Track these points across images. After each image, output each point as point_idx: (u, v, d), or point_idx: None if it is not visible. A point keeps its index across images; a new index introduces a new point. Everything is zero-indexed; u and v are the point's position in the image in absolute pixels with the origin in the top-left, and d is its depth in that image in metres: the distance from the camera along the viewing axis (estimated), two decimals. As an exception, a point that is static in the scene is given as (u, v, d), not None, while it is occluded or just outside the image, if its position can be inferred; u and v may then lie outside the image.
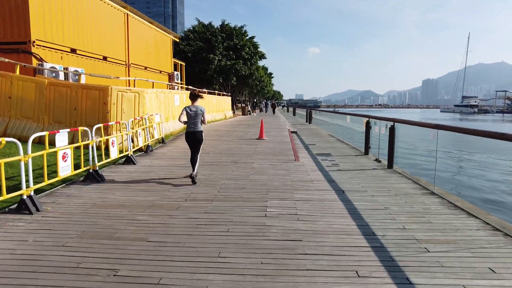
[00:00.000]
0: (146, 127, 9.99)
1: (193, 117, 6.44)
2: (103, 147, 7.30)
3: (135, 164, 8.24)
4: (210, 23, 32.44)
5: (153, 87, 13.12)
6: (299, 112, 40.74)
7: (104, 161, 7.04)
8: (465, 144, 21.51)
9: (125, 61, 18.00)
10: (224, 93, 28.89)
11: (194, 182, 6.30)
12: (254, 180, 6.56)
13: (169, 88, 22.76)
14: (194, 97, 6.53)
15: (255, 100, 33.46)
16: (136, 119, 9.74)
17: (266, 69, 60.27)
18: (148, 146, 9.93)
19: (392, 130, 7.82)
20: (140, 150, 9.94)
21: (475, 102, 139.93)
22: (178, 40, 25.34)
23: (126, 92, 9.94)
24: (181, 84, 27.09)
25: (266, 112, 47.30)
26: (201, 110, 6.46)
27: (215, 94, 25.60)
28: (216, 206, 4.96)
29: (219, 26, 32.26)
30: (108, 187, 6.04)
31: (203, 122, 6.59)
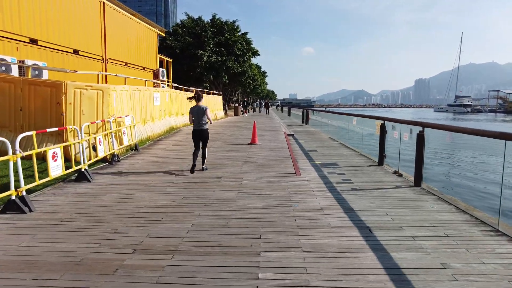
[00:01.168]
0: (111, 132, 8.12)
1: (197, 116, 7.16)
2: (34, 163, 5.42)
3: (90, 181, 6.37)
4: (200, 17, 30.35)
5: (125, 83, 11.22)
6: (294, 112, 39.00)
7: (39, 182, 5.16)
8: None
9: (102, 56, 16.05)
10: (215, 92, 26.97)
11: (204, 169, 7.20)
12: (241, 209, 4.75)
13: (155, 86, 20.95)
14: (198, 97, 7.27)
15: (245, 99, 31.06)
16: (95, 122, 7.86)
17: (260, 67, 58.42)
18: (113, 155, 8.07)
19: (421, 138, 6.06)
20: (105, 160, 8.07)
21: (468, 101, 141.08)
22: (163, 35, 23.38)
23: (87, 89, 8.05)
24: (167, 82, 25.15)
25: (260, 112, 45.51)
26: (203, 109, 7.13)
27: (204, 93, 23.72)
28: (177, 267, 3.12)
29: (209, 21, 30.25)
30: (21, 226, 4.17)
31: (208, 120, 7.25)
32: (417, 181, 6.15)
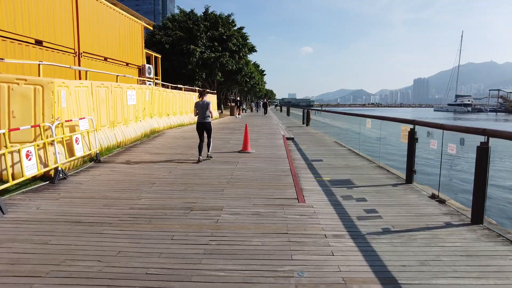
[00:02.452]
0: (53, 140, 6.13)
1: (201, 110, 7.80)
2: None
3: (3, 213, 4.40)
4: (192, 11, 28.17)
5: (86, 78, 9.23)
6: (294, 112, 37.02)
7: None
8: None
9: (74, 49, 14.02)
10: (209, 90, 24.98)
11: (209, 157, 8.05)
12: (206, 286, 2.77)
13: (140, 83, 19.02)
14: (202, 93, 7.99)
15: (237, 98, 28.56)
16: (19, 129, 5.85)
17: (258, 65, 56.33)
18: (57, 171, 6.08)
19: (483, 153, 4.08)
20: (46, 176, 6.10)
21: (469, 101, 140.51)
22: (151, 28, 21.33)
23: (18, 84, 6.05)
24: (156, 79, 23.15)
25: (257, 111, 43.54)
26: (207, 103, 7.79)
27: (195, 92, 21.72)
28: None
29: (202, 14, 28.13)
30: None
31: (210, 114, 7.85)
32: (477, 216, 4.18)
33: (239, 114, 27.41)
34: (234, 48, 27.20)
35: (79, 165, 7.33)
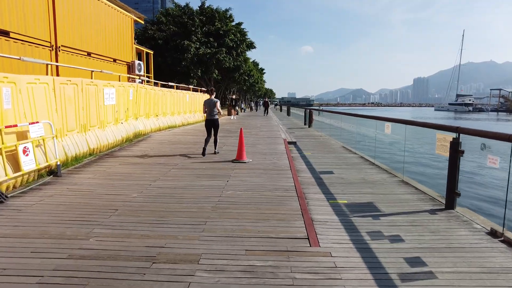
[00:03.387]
0: (-16, 153, 4.66)
1: (209, 107, 8.45)
2: None
3: None
4: (187, 4, 26.57)
5: (47, 74, 7.75)
6: (295, 111, 35.54)
7: None
8: None
9: (50, 42, 12.54)
10: (203, 89, 23.41)
11: (216, 152, 8.63)
12: None
13: (129, 81, 17.59)
14: (211, 91, 8.82)
15: (233, 97, 26.52)
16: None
17: (257, 64, 54.76)
18: (-10, 193, 4.62)
19: None
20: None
21: (470, 100, 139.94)
22: (142, 22, 19.80)
23: None
24: (147, 77, 21.66)
25: (257, 111, 42.13)
26: (214, 102, 8.40)
27: (189, 90, 20.23)
28: None
29: (198, 8, 26.51)
30: None
31: (218, 111, 8.50)
32: None
33: (234, 116, 24.83)
34: (231, 44, 25.53)
35: (31, 180, 5.88)
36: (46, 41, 12.58)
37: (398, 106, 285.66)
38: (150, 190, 5.46)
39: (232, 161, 7.79)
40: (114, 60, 17.45)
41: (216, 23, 25.03)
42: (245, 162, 7.68)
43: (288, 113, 36.31)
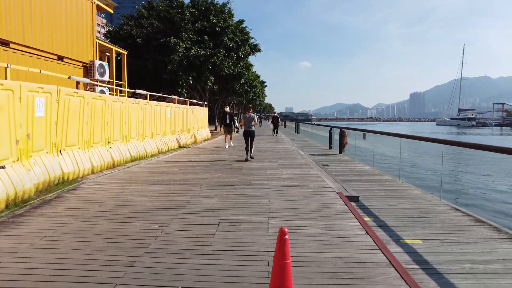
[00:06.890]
0: None
1: (248, 121, 10.68)
2: None
3: None
4: (176, -4, 21.08)
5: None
6: (303, 129, 30.15)
7: None
8: None
9: None
10: (194, 101, 17.95)
11: (251, 158, 10.55)
12: None
13: (88, 89, 12.26)
14: (248, 108, 10.91)
15: (227, 110, 16.69)
16: None
17: (259, 76, 49.73)
18: None
19: None
20: None
21: (472, 114, 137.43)
22: (111, 11, 14.55)
23: None
24: (121, 84, 16.19)
25: (260, 126, 36.81)
26: (252, 117, 10.66)
27: (173, 102, 14.73)
28: None
29: (189, 0, 21.12)
30: None
31: (254, 123, 10.74)
32: None
33: (230, 141, 15.28)
34: (230, 45, 20.01)
35: None
36: None
37: (396, 121, 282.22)
38: None
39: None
40: (60, 58, 12.01)
41: (212, 18, 19.58)
42: None
43: (297, 131, 30.96)
